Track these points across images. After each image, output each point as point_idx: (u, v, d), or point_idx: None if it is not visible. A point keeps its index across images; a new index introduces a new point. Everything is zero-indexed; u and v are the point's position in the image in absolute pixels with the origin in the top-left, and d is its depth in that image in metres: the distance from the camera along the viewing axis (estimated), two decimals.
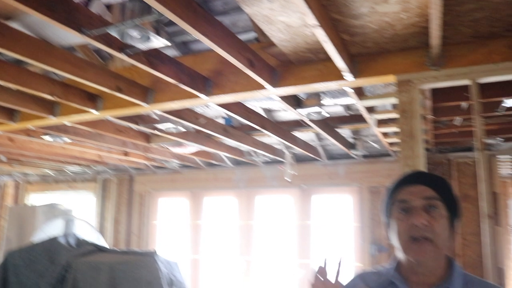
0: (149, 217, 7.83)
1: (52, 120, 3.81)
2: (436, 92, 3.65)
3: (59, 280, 3.59)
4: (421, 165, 2.46)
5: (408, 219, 1.20)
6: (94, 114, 3.53)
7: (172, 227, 7.82)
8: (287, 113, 4.58)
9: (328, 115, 3.76)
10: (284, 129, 4.86)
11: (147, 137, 5.14)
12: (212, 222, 7.53)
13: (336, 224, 6.64)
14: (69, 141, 4.95)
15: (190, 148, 5.30)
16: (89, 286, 3.49)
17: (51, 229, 4.88)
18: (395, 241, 1.26)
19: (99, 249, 3.93)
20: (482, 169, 2.63)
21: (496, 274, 5.71)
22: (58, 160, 6.84)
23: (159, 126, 4.15)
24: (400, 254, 1.27)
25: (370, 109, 3.76)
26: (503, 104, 3.80)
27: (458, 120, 4.32)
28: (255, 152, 6.14)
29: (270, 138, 5.39)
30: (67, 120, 3.83)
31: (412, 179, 1.27)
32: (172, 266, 3.83)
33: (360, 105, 3.41)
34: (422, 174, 1.33)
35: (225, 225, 7.41)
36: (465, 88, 3.05)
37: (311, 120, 3.99)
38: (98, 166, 7.66)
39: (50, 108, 3.69)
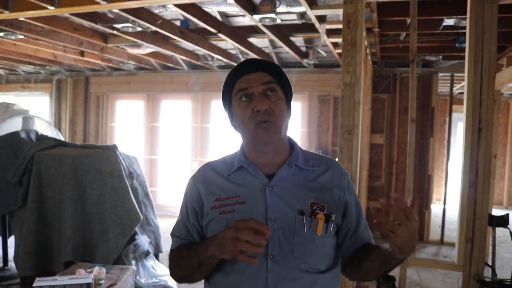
0: (107, 119, 7.97)
1: (5, 15, 3.76)
2: (382, 7, 3.87)
3: (24, 173, 3.80)
4: (361, 73, 2.76)
5: (250, 105, 1.24)
6: (50, 9, 3.53)
7: (129, 129, 8.04)
8: (243, 19, 4.69)
9: (280, 21, 3.93)
10: (240, 34, 5.00)
11: (105, 37, 5.15)
12: (168, 124, 7.80)
13: None
14: (22, 37, 4.89)
15: (146, 48, 5.36)
16: (52, 178, 3.71)
17: (9, 127, 4.97)
18: (240, 128, 1.31)
19: (61, 143, 4.12)
20: (414, 79, 2.95)
21: (426, 180, 6.44)
22: (10, 59, 6.69)
23: (117, 25, 4.20)
24: (246, 141, 1.33)
25: (322, 19, 3.96)
26: (444, 23, 4.09)
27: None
28: (211, 56, 6.27)
29: (226, 43, 5.52)
30: (22, 16, 3.80)
31: (248, 67, 1.30)
32: (132, 160, 4.09)
33: (312, 14, 3.60)
34: (256, 61, 1.32)
35: (181, 127, 7.71)
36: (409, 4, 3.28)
37: (265, 26, 4.16)
38: (53, 66, 7.55)
39: (4, 1, 3.64)
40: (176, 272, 1.34)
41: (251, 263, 1.06)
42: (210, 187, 1.32)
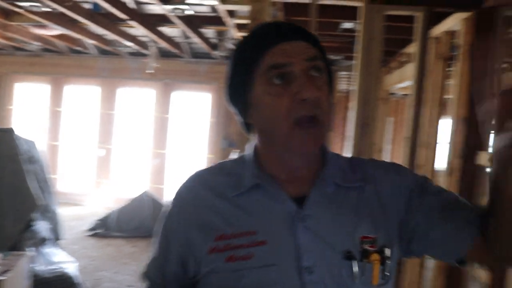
0: (4, 101, 7.51)
1: None
2: (289, 6, 4.11)
3: None
4: None
5: (288, 91, 0.79)
6: None
7: (30, 113, 7.64)
8: (156, 7, 4.67)
9: (192, 13, 4.02)
10: (152, 22, 4.99)
11: (7, 14, 4.85)
12: (73, 109, 7.55)
13: (193, 118, 7.28)
14: None
15: (53, 30, 5.15)
16: None
17: None
18: (264, 127, 0.86)
19: None
20: None
21: None
22: None
23: (21, 3, 4.01)
24: (269, 146, 0.87)
25: (232, 13, 4.11)
26: (341, 26, 4.44)
27: None
28: (121, 42, 6.16)
29: (137, 30, 5.47)
30: None
31: (284, 33, 0.83)
32: (31, 145, 3.96)
33: (222, 8, 3.73)
34: (293, 27, 0.85)
35: (86, 113, 7.50)
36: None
37: (177, 17, 4.22)
38: None
39: None
40: None
41: None
42: (205, 217, 0.86)
